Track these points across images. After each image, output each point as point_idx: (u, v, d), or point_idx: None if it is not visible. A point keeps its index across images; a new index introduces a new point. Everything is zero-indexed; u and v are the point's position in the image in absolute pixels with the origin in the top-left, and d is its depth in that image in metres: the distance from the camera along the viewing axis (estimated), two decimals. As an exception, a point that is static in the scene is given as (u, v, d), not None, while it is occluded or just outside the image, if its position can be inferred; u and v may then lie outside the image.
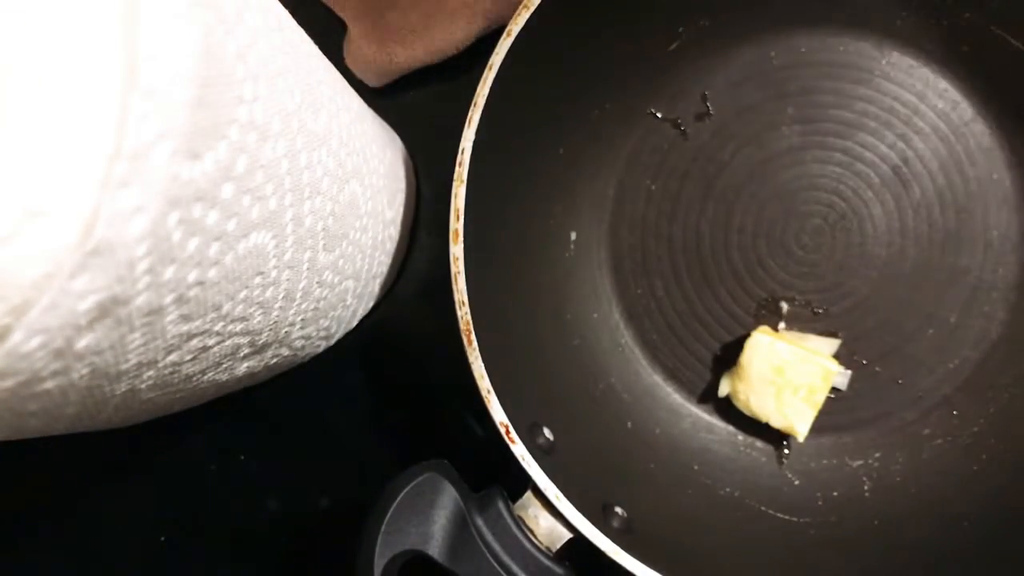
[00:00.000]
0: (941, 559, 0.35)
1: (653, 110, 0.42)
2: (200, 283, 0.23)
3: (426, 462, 0.32)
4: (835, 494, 0.39)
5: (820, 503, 0.39)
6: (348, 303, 0.39)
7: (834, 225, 0.41)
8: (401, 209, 0.42)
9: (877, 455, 0.39)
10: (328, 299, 0.35)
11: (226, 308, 0.26)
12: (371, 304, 0.43)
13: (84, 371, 0.22)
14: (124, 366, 0.23)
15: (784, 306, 0.41)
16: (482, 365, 0.32)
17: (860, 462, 0.39)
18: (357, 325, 0.43)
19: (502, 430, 0.32)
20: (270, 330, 0.31)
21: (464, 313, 0.32)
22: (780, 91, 0.41)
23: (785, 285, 0.41)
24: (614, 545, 0.31)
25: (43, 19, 0.18)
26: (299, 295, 0.32)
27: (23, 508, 0.44)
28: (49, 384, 0.21)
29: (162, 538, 0.43)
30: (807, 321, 0.41)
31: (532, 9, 0.33)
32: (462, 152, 0.33)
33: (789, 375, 0.37)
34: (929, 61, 0.40)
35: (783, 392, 0.37)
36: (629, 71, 0.41)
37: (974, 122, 0.40)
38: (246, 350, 0.31)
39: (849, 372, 0.40)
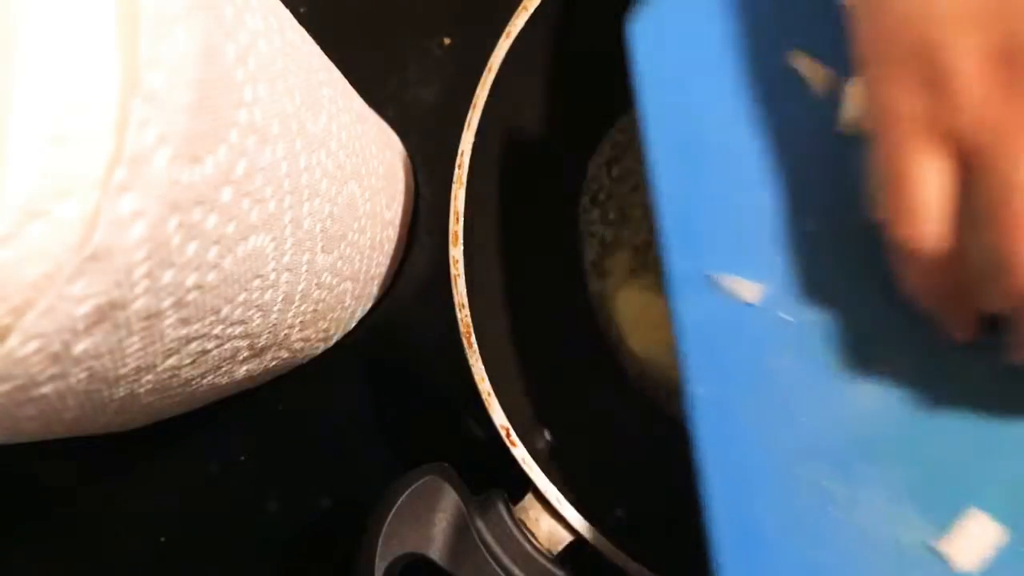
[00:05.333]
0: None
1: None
2: (199, 287, 0.23)
3: (426, 465, 0.32)
4: (836, 495, 0.39)
5: (820, 504, 0.38)
6: (347, 304, 0.39)
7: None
8: (400, 210, 0.42)
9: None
10: (327, 301, 0.35)
11: (225, 311, 0.26)
12: (370, 305, 0.43)
13: (82, 375, 0.21)
14: (122, 370, 0.23)
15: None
16: (482, 367, 0.32)
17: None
18: (356, 326, 0.43)
19: (502, 432, 0.32)
20: (269, 333, 0.31)
21: (464, 315, 0.32)
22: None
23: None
24: (615, 548, 0.31)
25: (43, 23, 0.18)
26: (298, 297, 0.32)
27: (23, 508, 0.44)
28: (46, 388, 0.21)
29: (162, 538, 0.43)
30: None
31: (531, 11, 0.33)
32: (461, 154, 0.33)
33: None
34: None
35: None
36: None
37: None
38: (245, 353, 0.31)
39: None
